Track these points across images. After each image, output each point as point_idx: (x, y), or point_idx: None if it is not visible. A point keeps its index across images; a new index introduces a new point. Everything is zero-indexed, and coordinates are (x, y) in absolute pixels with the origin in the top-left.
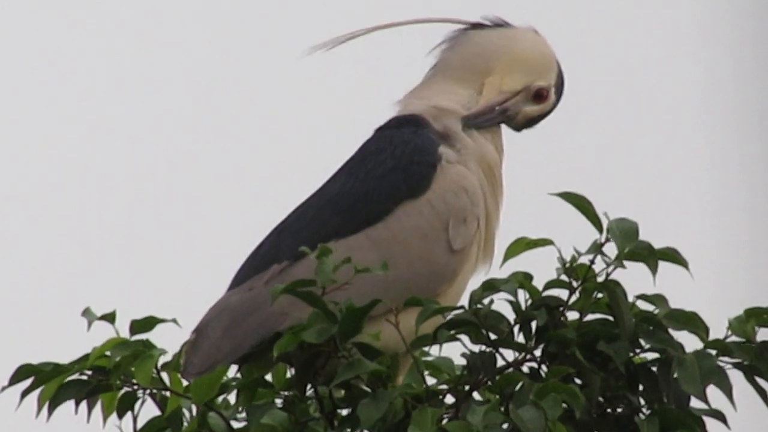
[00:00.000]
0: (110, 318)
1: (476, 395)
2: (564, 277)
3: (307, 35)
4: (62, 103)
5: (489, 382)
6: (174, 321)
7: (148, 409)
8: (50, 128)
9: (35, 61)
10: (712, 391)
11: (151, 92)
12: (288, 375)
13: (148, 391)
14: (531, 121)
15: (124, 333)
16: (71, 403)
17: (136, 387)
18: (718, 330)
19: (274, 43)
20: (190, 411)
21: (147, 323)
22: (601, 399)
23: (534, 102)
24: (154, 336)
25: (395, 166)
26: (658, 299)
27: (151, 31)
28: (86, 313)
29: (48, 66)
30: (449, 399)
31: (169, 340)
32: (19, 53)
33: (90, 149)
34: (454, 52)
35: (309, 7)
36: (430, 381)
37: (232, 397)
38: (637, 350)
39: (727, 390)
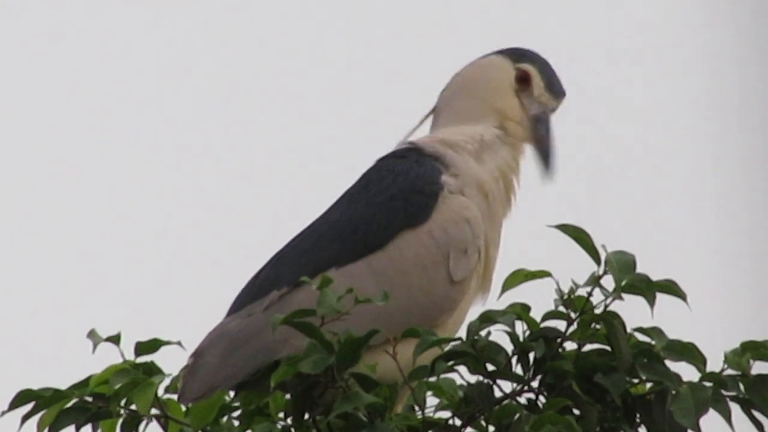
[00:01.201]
0: (115, 340)
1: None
2: (562, 309)
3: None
4: (70, 134)
5: (486, 414)
6: (178, 343)
7: (152, 429)
8: (57, 151)
9: (37, 66)
10: (712, 422)
11: (161, 123)
12: (286, 401)
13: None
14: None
15: (129, 354)
16: (71, 428)
17: (135, 414)
18: (715, 360)
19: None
20: None
21: (151, 345)
22: (597, 430)
23: (522, 88)
24: (159, 357)
25: (396, 194)
26: (655, 332)
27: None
28: (91, 335)
29: (56, 87)
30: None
31: (174, 361)
32: (20, 53)
33: (96, 169)
34: (445, 95)
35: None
36: (432, 401)
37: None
38: (635, 380)
39: (726, 415)
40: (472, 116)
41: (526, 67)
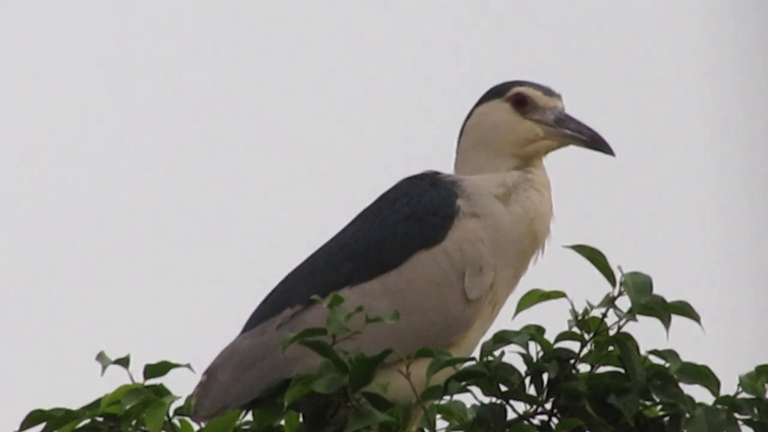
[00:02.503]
0: (124, 363)
1: None
2: (576, 330)
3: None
4: (75, 147)
5: None
6: (188, 366)
7: None
8: (63, 164)
9: (40, 66)
10: None
11: (168, 130)
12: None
13: None
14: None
15: (138, 376)
16: None
17: None
18: (729, 385)
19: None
20: None
21: (161, 368)
22: None
23: (524, 109)
24: (169, 379)
25: (410, 214)
26: (669, 354)
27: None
28: (100, 357)
29: (58, 82)
30: None
31: (184, 383)
32: (22, 53)
33: (106, 186)
34: (460, 153)
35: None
36: (442, 424)
37: None
38: (648, 403)
39: None
40: (488, 167)
41: (515, 90)
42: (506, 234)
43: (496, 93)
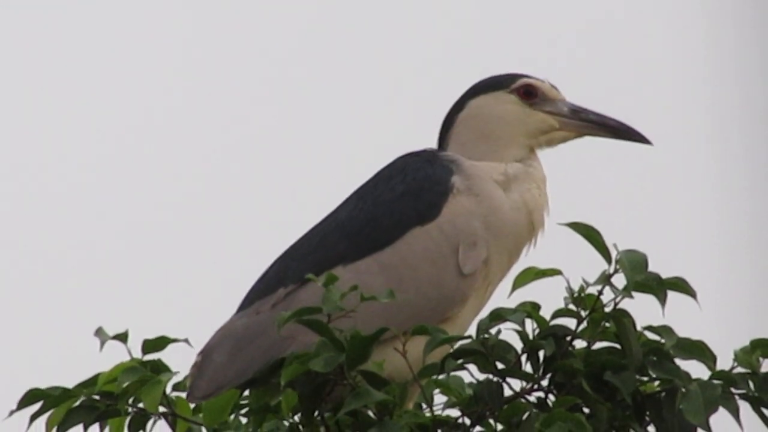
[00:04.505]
0: (123, 338)
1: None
2: (572, 307)
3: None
4: (79, 121)
5: (496, 412)
6: (186, 341)
7: (159, 428)
8: (64, 140)
9: (45, 65)
10: (720, 420)
11: (175, 119)
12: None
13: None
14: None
15: (136, 351)
16: (80, 427)
17: (143, 412)
18: (724, 358)
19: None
20: None
21: (159, 343)
22: (607, 429)
23: (533, 101)
24: (167, 354)
25: (405, 192)
26: (665, 330)
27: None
28: (99, 333)
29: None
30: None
31: (182, 359)
32: (25, 54)
33: (105, 165)
34: (454, 136)
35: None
36: (440, 399)
37: (243, 419)
38: (644, 379)
39: (734, 411)
40: (489, 158)
41: (524, 81)
42: (504, 218)
43: (497, 85)
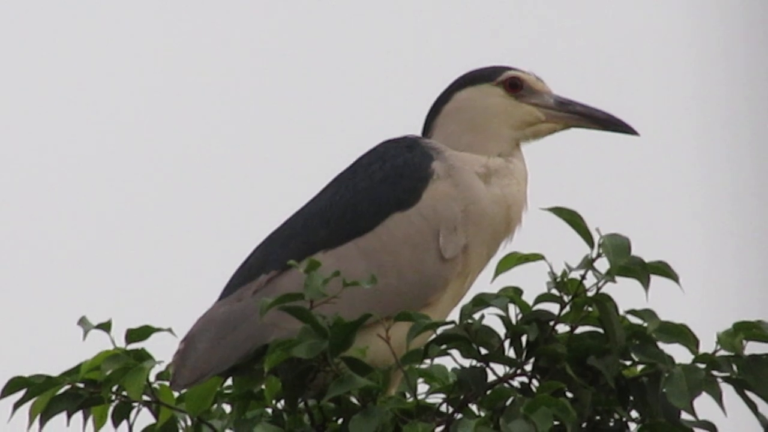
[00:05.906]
0: (106, 327)
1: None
2: (555, 291)
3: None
4: (63, 112)
5: (480, 397)
6: (169, 330)
7: (143, 417)
8: (48, 132)
9: (43, 60)
10: (704, 403)
11: (159, 104)
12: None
13: (140, 404)
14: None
15: (120, 341)
16: (63, 415)
17: (127, 400)
18: (707, 341)
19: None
20: (185, 420)
21: (142, 332)
22: (591, 413)
23: (519, 93)
24: (150, 344)
25: (385, 178)
26: (647, 314)
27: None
28: (82, 322)
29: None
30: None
31: (165, 348)
32: (23, 53)
33: (88, 155)
34: (438, 128)
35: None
36: (423, 387)
37: (227, 406)
38: (627, 363)
39: (717, 396)
40: (473, 150)
41: (510, 74)
42: (482, 209)
43: (483, 77)
